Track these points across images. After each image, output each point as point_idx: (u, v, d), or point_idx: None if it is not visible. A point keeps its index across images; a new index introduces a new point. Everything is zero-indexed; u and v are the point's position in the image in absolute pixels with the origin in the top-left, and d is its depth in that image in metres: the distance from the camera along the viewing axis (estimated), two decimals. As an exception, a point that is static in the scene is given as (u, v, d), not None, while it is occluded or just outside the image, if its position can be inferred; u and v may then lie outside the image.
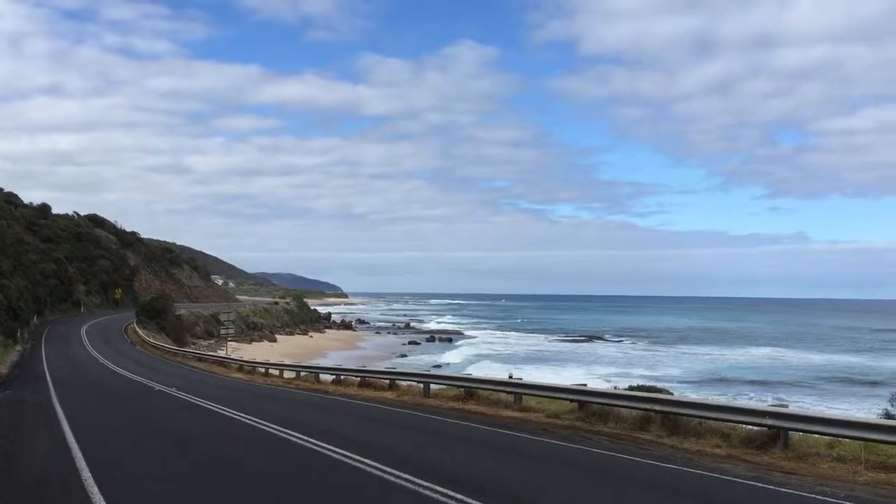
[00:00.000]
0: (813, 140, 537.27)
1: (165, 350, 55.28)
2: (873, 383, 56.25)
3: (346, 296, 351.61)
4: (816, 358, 78.21)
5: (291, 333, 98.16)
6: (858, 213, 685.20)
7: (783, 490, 10.75)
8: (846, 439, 13.22)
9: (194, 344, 68.81)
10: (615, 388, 22.95)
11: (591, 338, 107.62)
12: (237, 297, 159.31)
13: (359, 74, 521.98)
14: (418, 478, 10.48)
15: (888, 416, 16.19)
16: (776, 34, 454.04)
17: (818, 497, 10.31)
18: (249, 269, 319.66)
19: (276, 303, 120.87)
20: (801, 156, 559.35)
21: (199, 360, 48.50)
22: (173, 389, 26.91)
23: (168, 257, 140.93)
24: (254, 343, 79.26)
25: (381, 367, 42.72)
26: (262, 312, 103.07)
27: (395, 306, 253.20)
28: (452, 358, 73.82)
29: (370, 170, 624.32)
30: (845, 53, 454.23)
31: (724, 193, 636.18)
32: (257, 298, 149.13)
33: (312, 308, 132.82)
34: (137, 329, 66.04)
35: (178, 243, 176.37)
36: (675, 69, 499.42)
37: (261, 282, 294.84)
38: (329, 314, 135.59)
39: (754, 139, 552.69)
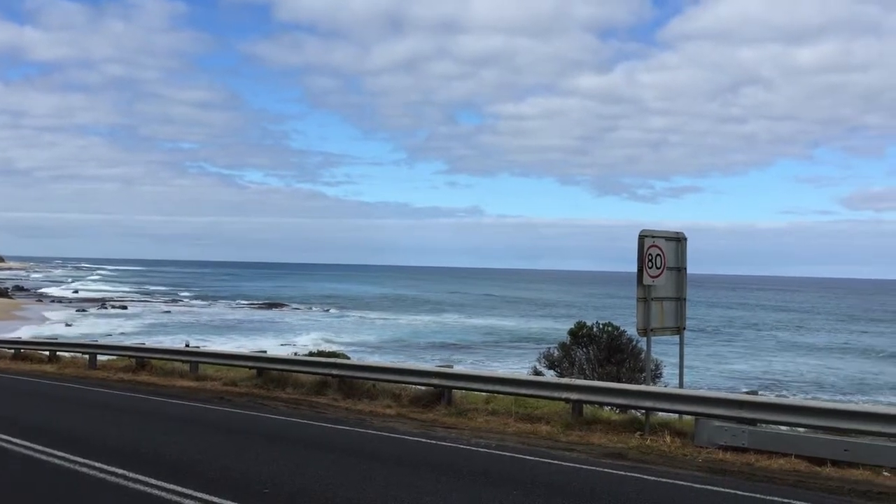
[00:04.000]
0: (488, 122, 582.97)
1: None
2: (530, 342, 62.78)
3: (2, 259, 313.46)
4: (483, 322, 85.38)
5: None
6: (524, 190, 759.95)
7: (443, 444, 11.59)
8: (500, 395, 14.62)
9: None
10: (295, 354, 23.14)
11: (279, 305, 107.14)
12: None
13: (26, 15, 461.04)
14: (77, 455, 9.70)
15: (536, 372, 18.17)
16: (459, 21, 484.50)
17: (472, 448, 11.27)
18: None
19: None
20: (477, 136, 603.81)
21: None
22: None
23: None
24: None
25: (41, 336, 38.76)
26: None
27: (58, 272, 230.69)
28: (127, 327, 69.32)
29: (36, 121, 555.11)
30: (517, 45, 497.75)
31: (409, 167, 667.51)
32: None
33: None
34: None
35: None
36: (368, 44, 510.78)
37: None
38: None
39: (437, 117, 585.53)
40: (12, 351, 26.89)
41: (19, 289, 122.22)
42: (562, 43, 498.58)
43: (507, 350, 59.63)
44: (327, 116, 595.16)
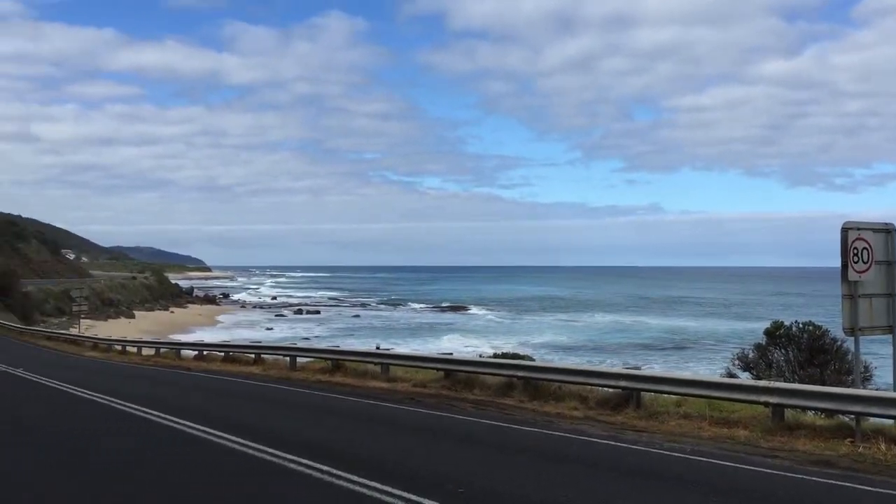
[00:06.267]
0: (666, 116, 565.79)
1: (11, 329, 51.88)
2: (718, 343, 60.10)
3: (209, 269, 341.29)
4: (667, 322, 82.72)
5: (151, 309, 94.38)
6: (707, 185, 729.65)
7: (635, 447, 11.33)
8: (692, 397, 14.07)
9: (44, 322, 64.86)
10: (480, 356, 23.49)
11: (461, 308, 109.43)
12: (90, 272, 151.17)
13: (223, 42, 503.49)
14: (284, 451, 10.35)
15: (729, 374, 17.35)
16: (632, 15, 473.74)
17: (666, 452, 10.93)
18: (104, 243, 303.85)
19: (135, 277, 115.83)
20: (654, 131, 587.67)
21: (49, 338, 45.89)
22: (20, 370, 25.32)
23: (12, 231, 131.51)
24: (110, 320, 75.71)
25: (246, 340, 41.79)
26: (118, 288, 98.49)
27: (256, 280, 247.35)
28: (320, 331, 73.28)
29: (235, 140, 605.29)
30: (693, 35, 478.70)
31: (585, 166, 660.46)
32: (114, 273, 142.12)
33: (173, 282, 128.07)
34: (-21, 308, 61.61)
35: (25, 216, 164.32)
36: (539, 45, 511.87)
37: (117, 256, 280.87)
38: (191, 288, 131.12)
39: (612, 114, 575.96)
40: (223, 354, 29.21)
41: (225, 296, 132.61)
42: (743, 29, 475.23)
43: (692, 351, 57.51)
44: (502, 120, 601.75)
